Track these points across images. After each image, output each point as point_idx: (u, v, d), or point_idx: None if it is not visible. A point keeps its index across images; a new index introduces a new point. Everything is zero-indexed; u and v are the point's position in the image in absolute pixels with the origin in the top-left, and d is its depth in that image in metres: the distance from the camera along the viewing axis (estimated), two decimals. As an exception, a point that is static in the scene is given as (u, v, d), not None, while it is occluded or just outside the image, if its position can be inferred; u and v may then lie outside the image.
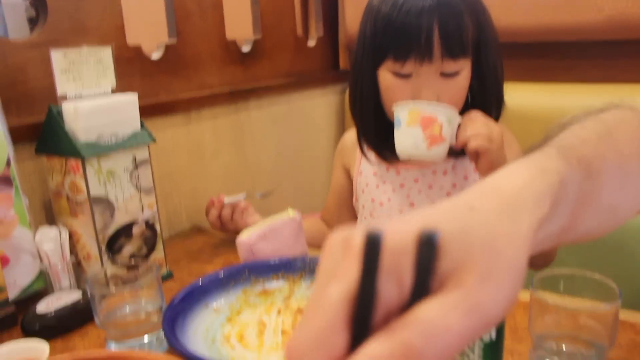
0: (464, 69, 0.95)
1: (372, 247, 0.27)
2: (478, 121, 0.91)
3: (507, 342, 0.69)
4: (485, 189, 0.34)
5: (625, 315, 0.74)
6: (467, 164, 1.06)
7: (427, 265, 0.27)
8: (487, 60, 0.97)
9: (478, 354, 0.48)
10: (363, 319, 0.27)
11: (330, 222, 1.26)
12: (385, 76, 0.98)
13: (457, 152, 1.01)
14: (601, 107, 0.48)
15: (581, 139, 0.41)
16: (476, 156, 0.89)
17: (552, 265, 1.06)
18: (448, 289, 0.27)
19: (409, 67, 0.93)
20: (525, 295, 0.80)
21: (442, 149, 0.91)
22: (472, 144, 0.88)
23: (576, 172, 0.38)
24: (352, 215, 1.22)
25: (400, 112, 0.92)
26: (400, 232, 0.28)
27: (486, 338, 0.48)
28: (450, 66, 0.93)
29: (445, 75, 0.94)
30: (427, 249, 0.27)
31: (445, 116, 0.90)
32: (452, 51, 0.92)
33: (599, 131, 0.43)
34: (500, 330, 0.49)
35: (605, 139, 0.42)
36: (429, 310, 0.26)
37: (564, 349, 0.60)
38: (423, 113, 0.90)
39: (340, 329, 0.27)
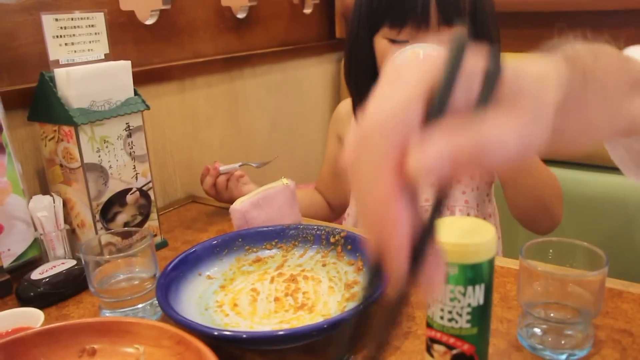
0: None
1: (459, 49, 0.30)
2: None
3: (497, 310, 0.70)
4: (516, 69, 0.35)
5: (613, 283, 0.75)
6: None
7: (493, 82, 0.31)
8: (483, 29, 0.97)
9: (466, 318, 0.49)
10: (440, 104, 0.29)
11: (325, 193, 1.26)
12: (382, 43, 0.97)
13: None
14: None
15: (578, 53, 0.44)
16: None
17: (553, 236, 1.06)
18: (506, 110, 0.31)
19: (405, 34, 0.93)
20: (515, 264, 0.82)
21: None
22: None
23: (577, 80, 0.41)
24: (346, 184, 1.22)
25: (401, 57, 0.91)
26: (474, 55, 0.31)
27: (474, 303, 0.49)
28: (447, 33, 0.93)
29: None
30: (491, 80, 0.31)
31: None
32: (448, 18, 0.91)
33: (588, 53, 0.46)
34: (487, 295, 0.49)
35: (595, 60, 0.46)
36: (495, 125, 0.30)
37: (552, 316, 0.61)
38: (424, 51, 0.89)
39: (419, 103, 0.29)
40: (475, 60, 0.31)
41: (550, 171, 1.00)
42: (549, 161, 1.36)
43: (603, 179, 1.31)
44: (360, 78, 1.04)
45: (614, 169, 1.30)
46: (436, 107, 0.29)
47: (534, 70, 0.36)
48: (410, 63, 0.32)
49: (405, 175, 0.28)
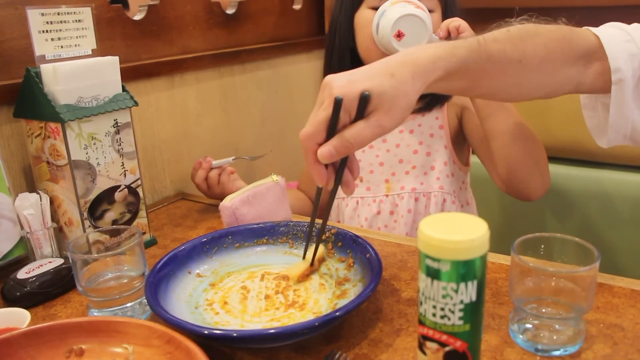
0: (435, 11, 1.04)
1: (338, 103, 0.61)
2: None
3: (489, 306, 0.70)
4: (406, 60, 0.63)
5: (603, 278, 0.75)
6: (432, 122, 1.09)
7: (363, 107, 0.62)
8: (452, 6, 1.08)
9: (458, 315, 0.49)
10: (332, 128, 0.62)
11: (308, 191, 1.27)
12: (364, 14, 1.05)
13: (423, 108, 1.10)
14: (547, 22, 0.73)
15: (496, 37, 0.68)
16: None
17: (533, 230, 1.07)
18: (368, 117, 0.62)
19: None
20: (506, 260, 0.82)
21: (427, 16, 0.97)
22: (454, 23, 0.95)
23: (475, 57, 0.66)
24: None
25: (385, 5, 1.00)
26: (353, 93, 0.61)
27: (466, 299, 0.48)
28: (424, 1, 1.01)
29: None
30: (364, 101, 0.61)
31: (422, 3, 0.99)
32: None
33: (514, 36, 0.69)
34: (480, 292, 0.49)
35: (514, 41, 0.68)
36: (358, 126, 0.62)
37: (544, 312, 0.61)
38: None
39: (323, 130, 0.63)
40: (352, 98, 0.61)
41: (534, 133, 1.02)
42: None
43: (595, 175, 1.31)
44: (342, 59, 1.11)
45: (606, 165, 1.31)
46: (330, 129, 0.63)
47: (416, 65, 0.63)
48: (327, 98, 0.62)
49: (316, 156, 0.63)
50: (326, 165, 0.65)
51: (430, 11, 1.01)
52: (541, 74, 0.70)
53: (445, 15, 1.06)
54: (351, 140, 0.61)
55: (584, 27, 0.74)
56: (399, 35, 0.96)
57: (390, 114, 0.61)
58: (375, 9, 1.02)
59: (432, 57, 0.63)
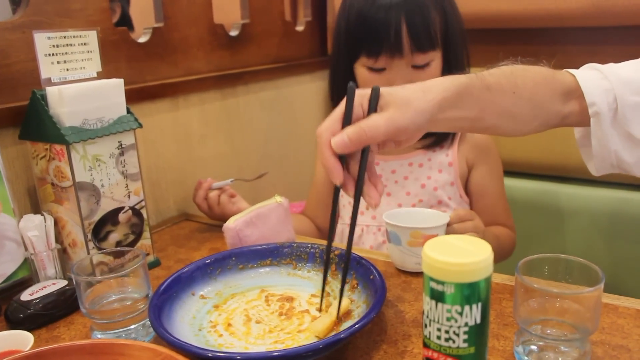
0: (434, 60, 1.00)
1: (351, 89, 0.65)
2: (461, 213, 0.92)
3: (493, 327, 0.69)
4: (392, 90, 0.66)
5: (608, 298, 0.75)
6: (442, 158, 1.09)
7: (375, 101, 0.65)
8: (454, 49, 1.03)
9: (463, 338, 0.49)
10: (347, 120, 0.65)
11: (313, 217, 1.27)
12: (361, 71, 1.04)
13: (434, 144, 1.09)
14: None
15: (490, 72, 0.72)
16: None
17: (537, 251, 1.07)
18: (381, 110, 0.65)
19: (381, 62, 0.99)
20: (510, 280, 0.81)
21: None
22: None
23: (477, 85, 0.69)
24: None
25: (401, 234, 0.86)
26: (365, 89, 0.66)
27: (471, 322, 0.48)
28: (420, 59, 0.98)
29: (416, 67, 1.00)
30: (375, 94, 0.65)
31: (442, 229, 0.87)
32: (420, 46, 0.97)
33: (505, 71, 0.73)
34: (485, 314, 0.49)
35: (506, 75, 0.72)
36: (372, 117, 0.64)
37: (549, 333, 0.61)
38: (425, 233, 0.85)
39: (338, 122, 0.65)
40: (365, 92, 0.65)
41: (507, 233, 1.09)
42: (549, 176, 1.36)
43: (598, 194, 1.31)
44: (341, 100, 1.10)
45: (611, 184, 1.31)
46: (345, 122, 0.65)
47: (425, 85, 0.67)
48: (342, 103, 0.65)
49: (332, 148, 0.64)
50: (344, 183, 0.65)
51: (426, 65, 0.99)
52: (532, 106, 0.73)
53: (449, 54, 1.03)
54: (365, 129, 0.62)
55: (563, 70, 0.78)
56: None
57: (403, 111, 0.63)
58: (371, 69, 1.01)
59: (438, 80, 0.68)
